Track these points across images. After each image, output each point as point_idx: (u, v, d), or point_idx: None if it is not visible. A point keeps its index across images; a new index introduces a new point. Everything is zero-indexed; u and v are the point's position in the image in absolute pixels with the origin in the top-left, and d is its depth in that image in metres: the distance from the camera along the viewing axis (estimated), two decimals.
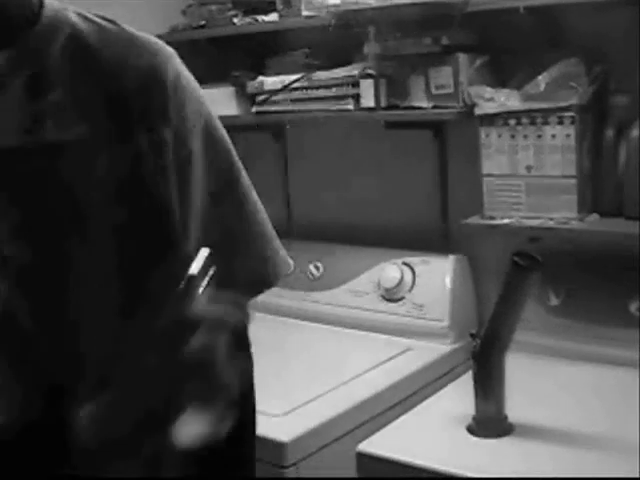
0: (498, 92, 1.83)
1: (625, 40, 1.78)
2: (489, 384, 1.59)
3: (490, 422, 1.60)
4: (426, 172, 2.20)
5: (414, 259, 2.13)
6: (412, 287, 2.10)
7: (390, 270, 2.14)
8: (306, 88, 2.08)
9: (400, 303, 2.11)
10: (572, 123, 1.76)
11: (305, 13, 2.05)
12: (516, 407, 1.61)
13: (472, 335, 1.63)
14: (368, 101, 1.96)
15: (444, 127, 2.11)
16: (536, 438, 1.56)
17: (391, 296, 2.13)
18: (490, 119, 1.85)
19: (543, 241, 1.85)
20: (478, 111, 1.85)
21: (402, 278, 2.11)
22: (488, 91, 1.83)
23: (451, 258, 2.10)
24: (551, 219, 1.81)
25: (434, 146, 2.16)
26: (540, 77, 1.77)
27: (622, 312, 1.84)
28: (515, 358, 1.65)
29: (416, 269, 2.11)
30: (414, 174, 2.23)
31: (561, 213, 1.81)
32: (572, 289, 1.92)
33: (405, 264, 2.13)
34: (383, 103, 1.96)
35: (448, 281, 2.07)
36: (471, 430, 1.61)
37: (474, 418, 1.62)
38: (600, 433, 1.55)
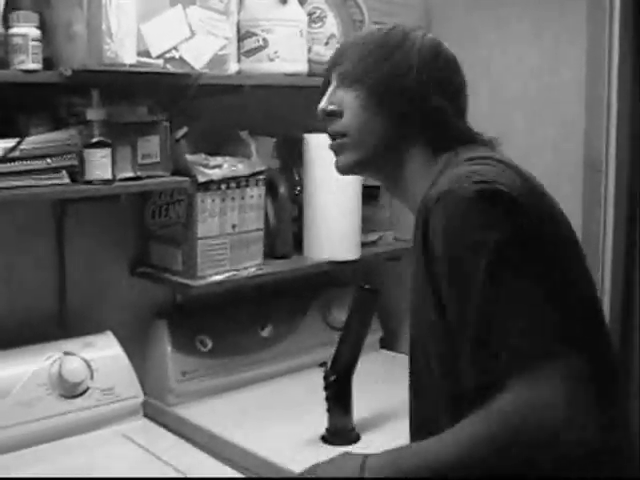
0: (214, 160, 1.98)
1: None
2: (342, 403, 1.90)
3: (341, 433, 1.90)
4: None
5: (74, 346, 1.93)
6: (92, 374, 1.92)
7: (67, 363, 1.88)
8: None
9: (86, 395, 1.90)
10: (263, 185, 2.09)
11: None
12: None
13: (322, 364, 1.89)
14: (103, 173, 1.76)
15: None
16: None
17: (74, 391, 1.88)
18: (206, 185, 1.97)
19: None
20: (202, 178, 1.95)
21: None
22: (210, 159, 1.96)
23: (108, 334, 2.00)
24: (245, 268, 2.09)
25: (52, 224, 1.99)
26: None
27: (257, 338, 2.26)
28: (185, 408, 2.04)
29: (84, 355, 1.93)
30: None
31: (253, 262, 2.11)
32: (220, 331, 2.19)
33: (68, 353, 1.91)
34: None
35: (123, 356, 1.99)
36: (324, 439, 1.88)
37: (327, 429, 1.88)
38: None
